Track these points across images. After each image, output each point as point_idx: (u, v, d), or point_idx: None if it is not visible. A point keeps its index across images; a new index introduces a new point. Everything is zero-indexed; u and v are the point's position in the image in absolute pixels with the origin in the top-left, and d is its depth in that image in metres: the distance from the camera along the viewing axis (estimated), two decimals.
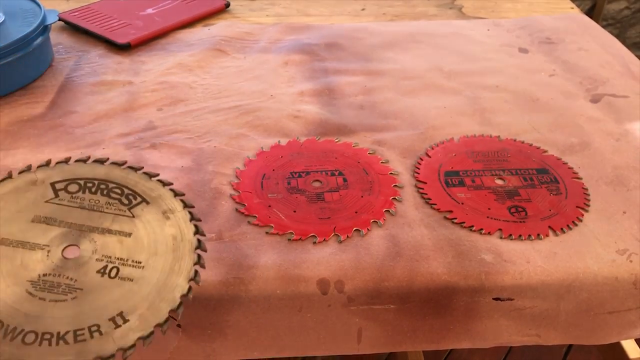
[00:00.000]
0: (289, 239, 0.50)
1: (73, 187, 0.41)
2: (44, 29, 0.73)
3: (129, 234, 0.39)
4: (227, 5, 0.94)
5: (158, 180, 0.42)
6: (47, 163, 0.41)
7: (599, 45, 0.84)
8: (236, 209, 0.53)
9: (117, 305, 0.35)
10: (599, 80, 0.75)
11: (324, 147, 0.61)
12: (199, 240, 0.40)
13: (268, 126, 0.65)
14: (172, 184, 0.43)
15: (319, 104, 0.69)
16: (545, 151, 0.62)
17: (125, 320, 0.35)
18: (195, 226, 0.41)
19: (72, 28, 0.86)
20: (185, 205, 0.42)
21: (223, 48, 0.81)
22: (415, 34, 0.87)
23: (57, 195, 0.40)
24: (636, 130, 0.65)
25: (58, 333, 0.34)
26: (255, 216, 0.52)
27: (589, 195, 0.56)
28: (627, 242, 0.51)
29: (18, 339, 0.33)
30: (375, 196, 0.55)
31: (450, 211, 0.53)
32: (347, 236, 0.50)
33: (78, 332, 0.34)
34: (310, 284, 0.47)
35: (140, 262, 0.38)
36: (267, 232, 0.51)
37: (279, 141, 0.62)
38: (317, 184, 0.56)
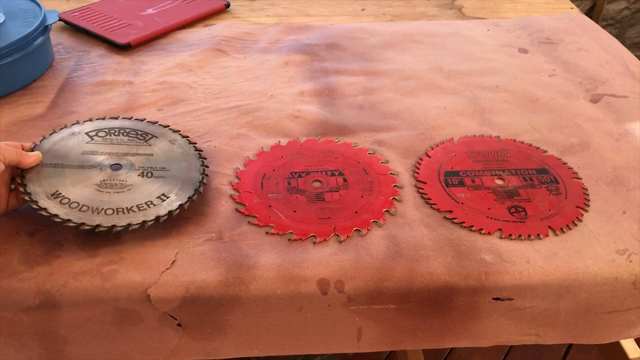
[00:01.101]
0: (289, 239, 0.50)
1: (102, 133, 0.58)
2: (44, 29, 0.73)
3: (151, 154, 0.56)
4: (227, 5, 0.94)
5: (159, 124, 0.60)
6: (77, 122, 0.59)
7: (598, 45, 0.85)
8: (236, 209, 0.53)
9: (159, 191, 0.52)
10: (598, 80, 0.75)
11: (324, 147, 0.61)
12: (199, 153, 0.57)
13: (268, 126, 0.65)
14: (169, 125, 0.60)
15: (319, 104, 0.69)
16: (545, 151, 0.62)
17: (167, 197, 0.52)
18: (194, 146, 0.58)
19: (73, 28, 0.86)
20: (183, 136, 0.59)
21: (223, 48, 0.81)
22: (415, 34, 0.87)
23: (92, 139, 0.57)
24: (636, 130, 0.65)
25: (127, 207, 0.50)
26: (256, 216, 0.52)
27: (588, 195, 0.56)
28: (626, 242, 0.51)
29: (102, 213, 0.49)
30: (375, 196, 0.55)
31: (450, 211, 0.53)
32: (347, 236, 0.50)
33: (139, 206, 0.50)
34: (310, 283, 0.47)
35: (165, 168, 0.55)
36: (267, 232, 0.51)
37: (279, 141, 0.62)
38: (317, 184, 0.56)
